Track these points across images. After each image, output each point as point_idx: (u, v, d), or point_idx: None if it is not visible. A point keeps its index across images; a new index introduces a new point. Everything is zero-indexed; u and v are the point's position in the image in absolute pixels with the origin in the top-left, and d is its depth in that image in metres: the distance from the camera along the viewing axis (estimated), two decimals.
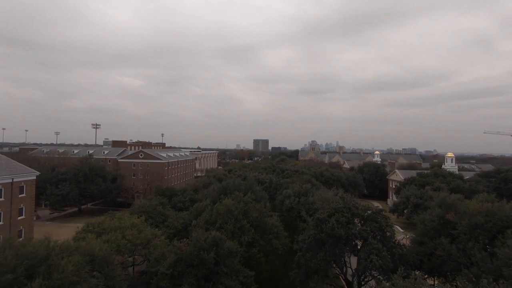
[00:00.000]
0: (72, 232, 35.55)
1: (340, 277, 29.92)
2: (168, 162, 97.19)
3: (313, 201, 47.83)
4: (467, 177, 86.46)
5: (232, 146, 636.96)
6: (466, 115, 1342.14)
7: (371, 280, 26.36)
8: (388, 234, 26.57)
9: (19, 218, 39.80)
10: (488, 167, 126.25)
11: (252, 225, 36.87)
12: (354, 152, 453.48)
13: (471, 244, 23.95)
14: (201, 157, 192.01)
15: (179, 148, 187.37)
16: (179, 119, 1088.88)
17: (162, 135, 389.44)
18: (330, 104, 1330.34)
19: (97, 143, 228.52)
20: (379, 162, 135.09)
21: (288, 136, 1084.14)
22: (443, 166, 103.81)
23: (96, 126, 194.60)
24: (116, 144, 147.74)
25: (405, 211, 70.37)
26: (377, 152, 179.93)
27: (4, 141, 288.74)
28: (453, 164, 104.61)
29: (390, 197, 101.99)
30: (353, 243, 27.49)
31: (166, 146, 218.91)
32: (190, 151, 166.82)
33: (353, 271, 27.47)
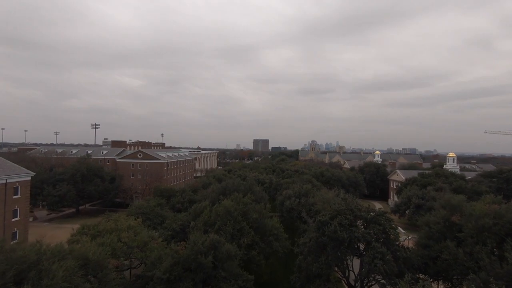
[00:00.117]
0: (69, 234, 34.74)
1: (343, 281, 29.06)
2: (167, 162, 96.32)
3: (313, 202, 46.99)
4: (469, 177, 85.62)
5: (232, 146, 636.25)
6: (466, 115, 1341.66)
7: (374, 284, 25.53)
8: (392, 236, 25.70)
9: (14, 220, 38.94)
10: (489, 167, 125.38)
11: (252, 226, 36.04)
12: (354, 152, 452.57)
13: (478, 248, 23.07)
14: (201, 157, 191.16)
15: (178, 148, 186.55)
16: (179, 119, 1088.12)
17: (162, 135, 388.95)
18: (330, 104, 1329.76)
19: (96, 143, 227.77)
20: (379, 162, 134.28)
21: (288, 136, 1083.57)
22: (444, 166, 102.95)
23: (95, 126, 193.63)
24: (116, 144, 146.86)
25: (406, 212, 69.57)
26: (377, 152, 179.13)
27: (4, 141, 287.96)
28: (455, 164, 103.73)
29: (391, 198, 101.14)
30: (356, 245, 26.68)
31: (166, 146, 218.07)
32: (190, 151, 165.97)
33: (356, 275, 26.62)
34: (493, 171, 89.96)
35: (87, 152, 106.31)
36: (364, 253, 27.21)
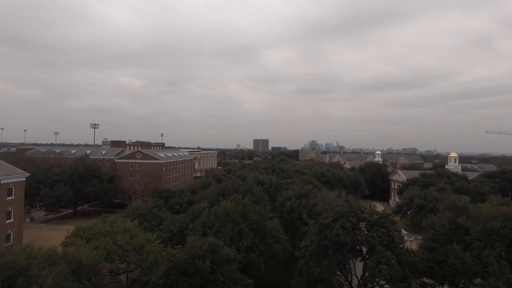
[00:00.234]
0: (65, 235, 33.89)
1: (345, 285, 28.15)
2: (166, 162, 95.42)
3: (314, 203, 46.12)
4: (471, 178, 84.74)
5: (232, 146, 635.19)
6: (466, 115, 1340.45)
7: None
8: (396, 240, 24.80)
9: (7, 221, 38.05)
10: (491, 167, 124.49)
11: (251, 228, 35.19)
12: (354, 152, 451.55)
13: (487, 252, 22.17)
14: (201, 157, 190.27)
15: (178, 148, 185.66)
16: (179, 119, 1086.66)
17: (162, 135, 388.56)
18: (330, 104, 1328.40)
19: (96, 143, 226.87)
20: (380, 162, 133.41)
21: (288, 136, 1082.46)
22: (446, 166, 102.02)
23: (94, 126, 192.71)
24: (115, 144, 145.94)
25: (408, 213, 68.70)
26: (378, 152, 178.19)
27: (4, 141, 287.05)
28: (456, 164, 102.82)
29: (392, 198, 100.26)
30: (358, 248, 25.81)
31: (165, 146, 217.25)
32: (189, 151, 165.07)
33: (359, 279, 25.74)
34: (496, 171, 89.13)
35: (85, 152, 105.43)
36: (367, 256, 26.38)
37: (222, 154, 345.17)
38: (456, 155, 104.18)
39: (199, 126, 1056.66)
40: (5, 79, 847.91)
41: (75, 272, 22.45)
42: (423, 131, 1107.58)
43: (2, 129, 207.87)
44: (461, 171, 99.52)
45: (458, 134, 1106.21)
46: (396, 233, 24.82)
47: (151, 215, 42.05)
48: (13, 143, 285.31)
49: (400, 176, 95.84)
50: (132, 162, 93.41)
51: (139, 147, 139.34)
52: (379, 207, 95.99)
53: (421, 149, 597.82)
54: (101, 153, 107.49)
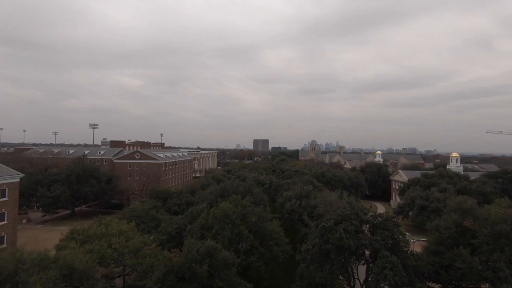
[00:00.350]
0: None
1: None
2: (165, 162, 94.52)
3: (315, 204, 45.23)
4: (473, 178, 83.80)
5: (232, 146, 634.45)
6: (466, 115, 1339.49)
7: None
8: (401, 243, 23.89)
9: (1, 223, 37.13)
10: (492, 167, 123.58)
11: (251, 230, 34.33)
12: (354, 152, 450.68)
13: (496, 256, 21.27)
14: (200, 157, 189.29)
15: (177, 148, 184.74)
16: (179, 119, 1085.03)
17: (161, 135, 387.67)
18: (330, 104, 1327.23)
19: (95, 143, 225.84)
20: (381, 162, 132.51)
21: (288, 136, 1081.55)
22: (447, 167, 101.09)
23: (93, 126, 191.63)
24: (114, 144, 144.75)
25: (410, 213, 67.77)
26: (378, 152, 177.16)
27: (4, 141, 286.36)
28: (458, 164, 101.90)
29: (393, 198, 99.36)
30: (361, 251, 24.92)
31: (165, 146, 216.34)
32: (189, 151, 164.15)
33: (361, 283, 24.84)
34: (498, 171, 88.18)
35: (83, 152, 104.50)
36: (369, 259, 25.51)
37: (222, 154, 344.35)
38: (458, 155, 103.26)
39: (199, 126, 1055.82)
40: (5, 79, 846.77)
41: (67, 278, 21.56)
42: (423, 131, 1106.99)
43: (1, 129, 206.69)
44: (463, 171, 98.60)
45: (458, 134, 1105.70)
46: (400, 236, 23.90)
47: (148, 217, 41.12)
48: (13, 143, 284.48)
49: (401, 177, 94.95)
50: (131, 162, 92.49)
51: (139, 147, 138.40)
52: (380, 207, 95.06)
53: (421, 149, 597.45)
54: (99, 153, 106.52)
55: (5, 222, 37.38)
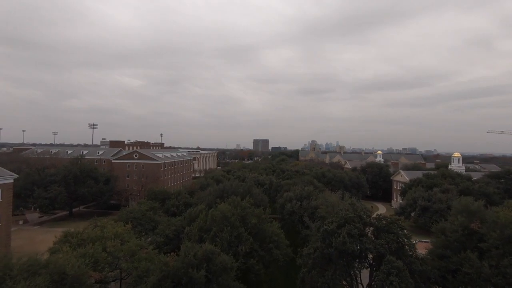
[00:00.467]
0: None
1: None
2: (164, 162, 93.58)
3: (316, 205, 44.31)
4: (475, 178, 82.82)
5: (232, 146, 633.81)
6: (466, 115, 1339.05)
7: None
8: (406, 247, 22.96)
9: None
10: (493, 167, 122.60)
11: (250, 233, 33.39)
12: (354, 152, 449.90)
13: (506, 261, 20.33)
14: (200, 157, 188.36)
15: (176, 148, 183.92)
16: (179, 119, 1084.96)
17: (161, 135, 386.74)
18: (330, 104, 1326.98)
19: (94, 143, 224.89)
20: (382, 163, 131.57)
21: (288, 136, 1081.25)
22: (449, 167, 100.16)
23: (93, 126, 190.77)
24: (114, 144, 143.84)
25: (412, 214, 66.87)
26: (379, 152, 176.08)
27: (4, 141, 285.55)
28: (460, 164, 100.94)
29: (395, 199, 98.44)
30: (363, 254, 23.99)
31: (165, 146, 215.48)
32: (189, 151, 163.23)
33: None
34: (500, 171, 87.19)
35: (82, 152, 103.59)
36: (373, 262, 24.59)
37: (222, 154, 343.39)
38: (460, 155, 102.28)
39: (199, 126, 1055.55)
40: (5, 79, 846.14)
41: (57, 284, 20.66)
42: (423, 131, 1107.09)
43: (0, 129, 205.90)
44: (465, 171, 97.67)
45: (458, 134, 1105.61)
46: (406, 239, 22.96)
47: (146, 219, 40.18)
48: (13, 143, 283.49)
49: (403, 177, 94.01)
50: (129, 162, 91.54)
51: (138, 147, 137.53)
52: (381, 208, 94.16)
53: (421, 149, 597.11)
54: (98, 153, 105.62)
55: None
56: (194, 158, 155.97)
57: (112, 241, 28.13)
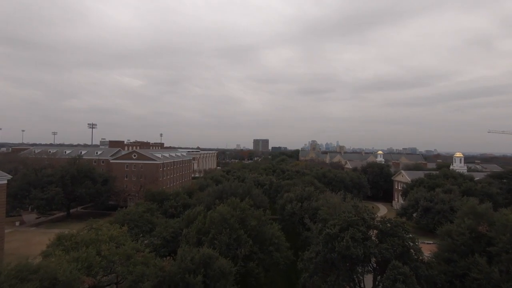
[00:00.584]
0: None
1: None
2: (163, 163, 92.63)
3: (317, 206, 43.38)
4: (477, 178, 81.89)
5: (232, 146, 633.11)
6: (466, 115, 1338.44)
7: None
8: (412, 251, 22.04)
9: None
10: (494, 167, 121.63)
11: (250, 235, 32.48)
12: (355, 152, 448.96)
13: None
14: (200, 157, 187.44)
15: (176, 149, 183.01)
16: (179, 119, 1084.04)
17: (161, 135, 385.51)
18: (330, 104, 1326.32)
19: (94, 143, 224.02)
20: (383, 163, 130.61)
21: (288, 136, 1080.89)
22: (451, 167, 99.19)
23: (92, 126, 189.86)
24: (113, 144, 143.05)
25: (414, 215, 65.93)
26: (380, 152, 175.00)
27: (4, 141, 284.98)
28: (462, 164, 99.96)
29: (396, 199, 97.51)
30: (367, 258, 23.09)
31: (165, 146, 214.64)
32: (188, 152, 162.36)
33: None
34: (503, 171, 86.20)
35: (80, 152, 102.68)
36: (377, 267, 23.70)
37: (222, 154, 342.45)
38: (462, 155, 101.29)
39: (199, 126, 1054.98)
40: (5, 79, 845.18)
41: None
42: (423, 131, 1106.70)
43: (0, 129, 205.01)
44: (467, 171, 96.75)
45: (458, 134, 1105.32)
46: (411, 243, 22.03)
47: (143, 220, 39.25)
48: (12, 143, 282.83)
49: (404, 177, 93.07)
50: (128, 162, 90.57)
51: (138, 147, 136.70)
52: (382, 208, 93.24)
53: (421, 149, 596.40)
54: (96, 153, 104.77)
55: None
56: (193, 158, 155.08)
57: (107, 245, 27.24)
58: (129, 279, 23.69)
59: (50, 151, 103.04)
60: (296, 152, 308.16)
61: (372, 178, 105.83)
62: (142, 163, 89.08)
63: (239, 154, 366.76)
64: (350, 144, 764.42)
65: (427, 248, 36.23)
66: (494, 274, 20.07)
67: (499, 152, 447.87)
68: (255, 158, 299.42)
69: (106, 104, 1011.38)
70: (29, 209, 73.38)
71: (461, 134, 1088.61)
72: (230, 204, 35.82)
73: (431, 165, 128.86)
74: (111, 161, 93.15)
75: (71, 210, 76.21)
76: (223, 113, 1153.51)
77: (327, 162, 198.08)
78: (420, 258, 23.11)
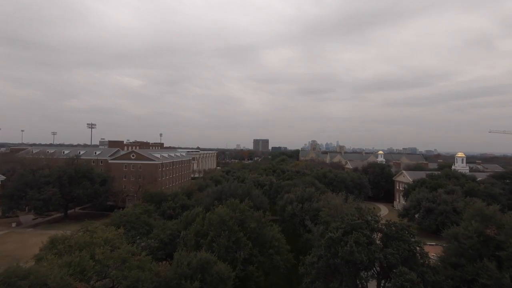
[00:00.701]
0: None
1: None
2: (162, 163, 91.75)
3: (318, 208, 42.51)
4: (479, 179, 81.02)
5: (232, 146, 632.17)
6: (466, 115, 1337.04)
7: None
8: (418, 255, 21.15)
9: None
10: (495, 167, 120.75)
11: (250, 237, 31.64)
12: (355, 152, 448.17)
13: None
14: (199, 157, 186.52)
15: (176, 149, 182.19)
16: (179, 119, 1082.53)
17: (161, 135, 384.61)
18: (330, 104, 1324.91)
19: (93, 143, 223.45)
20: (383, 163, 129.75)
21: (288, 136, 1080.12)
22: (453, 167, 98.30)
23: (91, 126, 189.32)
24: (113, 144, 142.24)
25: (416, 216, 65.05)
26: (380, 152, 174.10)
27: (3, 141, 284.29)
28: (464, 164, 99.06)
29: (397, 200, 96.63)
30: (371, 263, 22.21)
31: (165, 146, 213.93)
32: (188, 152, 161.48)
33: None
34: (505, 172, 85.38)
35: (79, 152, 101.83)
36: (381, 271, 22.82)
37: (222, 154, 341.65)
38: (464, 155, 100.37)
39: (199, 126, 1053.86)
40: (5, 79, 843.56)
41: None
42: (423, 131, 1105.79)
43: None
44: (469, 171, 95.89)
45: (458, 134, 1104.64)
46: (418, 247, 21.13)
47: (140, 222, 38.33)
48: (12, 143, 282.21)
49: (405, 177, 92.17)
50: (126, 163, 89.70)
51: (137, 147, 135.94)
52: (383, 209, 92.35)
53: (421, 149, 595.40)
54: (95, 153, 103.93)
55: None
56: (193, 158, 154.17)
57: (101, 248, 26.30)
58: (124, 284, 22.79)
59: (48, 151, 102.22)
60: (296, 152, 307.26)
61: (373, 178, 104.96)
62: (141, 163, 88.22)
63: (239, 154, 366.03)
64: (350, 144, 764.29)
65: (430, 250, 35.39)
66: (505, 280, 19.18)
67: (499, 152, 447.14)
68: (255, 158, 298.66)
69: (106, 104, 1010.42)
70: (26, 210, 72.54)
71: (461, 134, 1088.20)
72: (230, 206, 34.99)
73: (432, 165, 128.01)
74: (109, 161, 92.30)
75: (69, 211, 75.34)
76: (223, 113, 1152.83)
77: (327, 162, 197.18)
78: (426, 262, 22.22)
